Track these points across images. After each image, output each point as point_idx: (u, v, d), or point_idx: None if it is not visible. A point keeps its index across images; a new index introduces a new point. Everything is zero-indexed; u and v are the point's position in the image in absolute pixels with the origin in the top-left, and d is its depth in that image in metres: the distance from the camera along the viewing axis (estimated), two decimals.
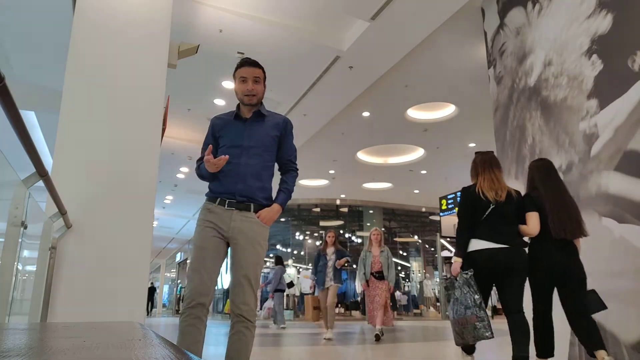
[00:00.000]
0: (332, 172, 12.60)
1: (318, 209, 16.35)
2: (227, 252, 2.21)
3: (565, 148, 3.74)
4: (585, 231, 2.99)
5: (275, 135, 2.27)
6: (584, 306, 2.89)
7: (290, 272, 14.99)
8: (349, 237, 16.99)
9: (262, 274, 9.54)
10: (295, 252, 17.37)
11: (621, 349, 3.05)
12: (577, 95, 3.63)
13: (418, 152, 11.10)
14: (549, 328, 2.99)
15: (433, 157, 11.10)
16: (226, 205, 2.17)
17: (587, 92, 3.52)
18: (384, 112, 8.56)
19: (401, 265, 18.48)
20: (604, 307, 2.90)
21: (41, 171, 1.82)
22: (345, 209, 16.35)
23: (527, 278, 3.01)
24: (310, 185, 13.77)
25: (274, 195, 2.32)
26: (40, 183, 1.94)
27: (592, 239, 3.38)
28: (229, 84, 7.16)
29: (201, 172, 2.28)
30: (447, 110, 8.64)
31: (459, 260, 2.98)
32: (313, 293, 9.51)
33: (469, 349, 3.12)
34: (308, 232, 17.56)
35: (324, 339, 6.05)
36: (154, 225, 3.30)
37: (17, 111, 1.21)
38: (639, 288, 2.98)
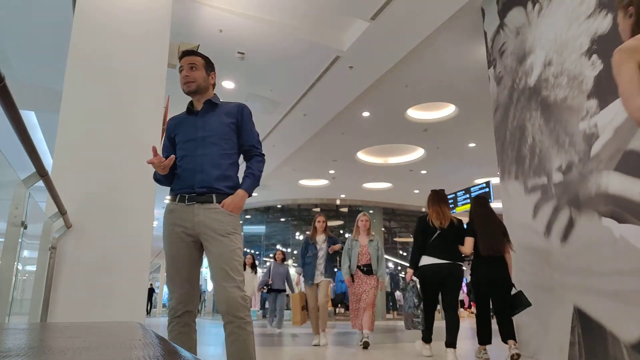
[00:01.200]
0: (332, 172, 12.59)
1: (318, 209, 16.34)
2: (201, 251, 2.09)
3: (565, 148, 3.74)
4: (503, 250, 4.02)
5: (230, 122, 2.16)
6: (506, 306, 3.93)
7: (290, 272, 14.96)
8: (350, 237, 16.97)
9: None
10: (295, 252, 17.36)
11: (621, 349, 3.05)
12: (577, 95, 3.63)
13: (418, 152, 11.10)
14: (488, 322, 4.09)
15: (433, 157, 11.10)
16: (186, 201, 2.04)
17: (587, 92, 3.52)
18: (384, 112, 8.56)
19: (401, 265, 18.47)
20: (530, 304, 3.85)
21: (41, 171, 1.82)
22: (345, 209, 16.35)
23: (472, 288, 4.13)
24: (310, 185, 13.77)
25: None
26: (40, 183, 1.94)
27: (592, 239, 3.38)
28: (229, 84, 7.16)
29: (156, 176, 2.19)
30: (447, 110, 8.64)
31: (411, 271, 4.13)
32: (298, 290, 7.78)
33: (427, 338, 4.05)
34: (308, 232, 17.55)
35: (314, 344, 5.18)
36: (154, 225, 3.31)
37: (17, 111, 1.21)
38: (639, 288, 2.98)
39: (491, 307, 4.11)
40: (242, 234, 2.19)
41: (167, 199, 2.18)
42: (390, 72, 6.73)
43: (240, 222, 2.17)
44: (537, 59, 4.21)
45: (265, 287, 8.79)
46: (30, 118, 8.21)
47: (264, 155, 2.26)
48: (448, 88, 7.57)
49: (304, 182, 13.48)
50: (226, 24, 5.66)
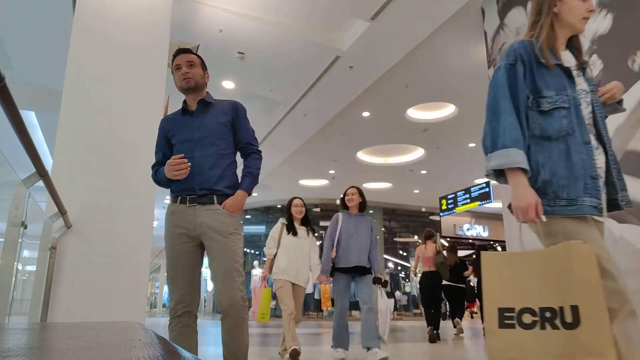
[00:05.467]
0: (332, 172, 12.60)
1: (318, 209, 16.33)
2: (202, 252, 2.13)
3: None
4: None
5: (226, 121, 2.17)
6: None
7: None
8: None
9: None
10: None
11: None
12: None
13: (418, 152, 11.10)
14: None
15: (433, 157, 11.10)
16: (188, 203, 2.07)
17: None
18: (384, 112, 8.56)
19: (401, 265, 18.48)
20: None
21: (41, 171, 1.82)
22: None
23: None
24: (310, 185, 13.77)
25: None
26: (40, 183, 1.94)
27: None
28: (229, 84, 7.16)
29: (158, 177, 2.19)
30: (447, 110, 8.64)
31: None
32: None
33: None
34: None
35: None
36: (154, 225, 3.31)
37: (17, 111, 1.21)
38: (639, 288, 2.98)
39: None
40: (242, 234, 2.21)
41: (167, 199, 2.19)
42: (390, 72, 6.73)
43: (241, 222, 2.19)
44: None
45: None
46: (30, 118, 8.21)
47: (260, 151, 2.27)
48: (448, 88, 7.57)
49: (304, 182, 13.48)
50: (226, 24, 5.66)
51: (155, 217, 3.22)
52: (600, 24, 3.43)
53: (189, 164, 2.01)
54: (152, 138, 3.16)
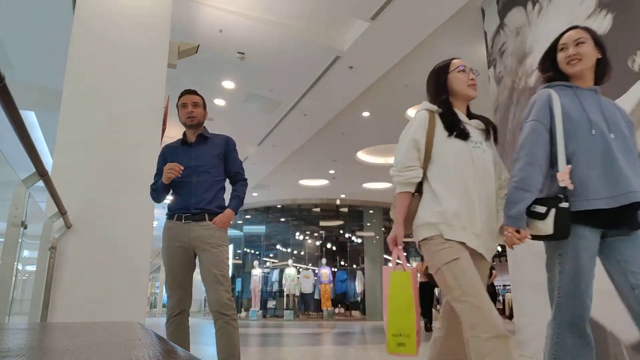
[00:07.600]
0: (332, 172, 12.59)
1: (318, 209, 16.34)
2: (195, 262, 2.45)
3: None
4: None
5: (219, 153, 2.56)
6: None
7: (290, 272, 14.94)
8: (349, 237, 16.96)
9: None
10: (295, 252, 17.37)
11: (621, 349, 3.05)
12: None
13: None
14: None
15: None
16: (183, 220, 2.41)
17: None
18: (384, 112, 8.55)
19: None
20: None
21: (41, 171, 1.82)
22: (345, 209, 16.34)
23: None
24: (310, 185, 13.76)
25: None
26: (40, 183, 1.94)
27: None
28: (229, 84, 7.16)
29: (156, 187, 2.52)
30: None
31: None
32: None
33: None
34: (308, 232, 17.55)
35: None
36: (154, 225, 3.31)
37: (17, 111, 1.21)
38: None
39: None
40: (229, 245, 2.57)
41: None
42: (390, 72, 6.72)
43: (227, 235, 2.56)
44: (537, 59, 4.20)
45: None
46: (30, 118, 8.21)
47: (246, 179, 2.66)
48: None
49: (304, 182, 13.48)
50: (226, 24, 5.66)
51: (155, 217, 3.22)
52: (600, 24, 3.43)
53: (181, 167, 2.36)
54: (152, 138, 3.17)
